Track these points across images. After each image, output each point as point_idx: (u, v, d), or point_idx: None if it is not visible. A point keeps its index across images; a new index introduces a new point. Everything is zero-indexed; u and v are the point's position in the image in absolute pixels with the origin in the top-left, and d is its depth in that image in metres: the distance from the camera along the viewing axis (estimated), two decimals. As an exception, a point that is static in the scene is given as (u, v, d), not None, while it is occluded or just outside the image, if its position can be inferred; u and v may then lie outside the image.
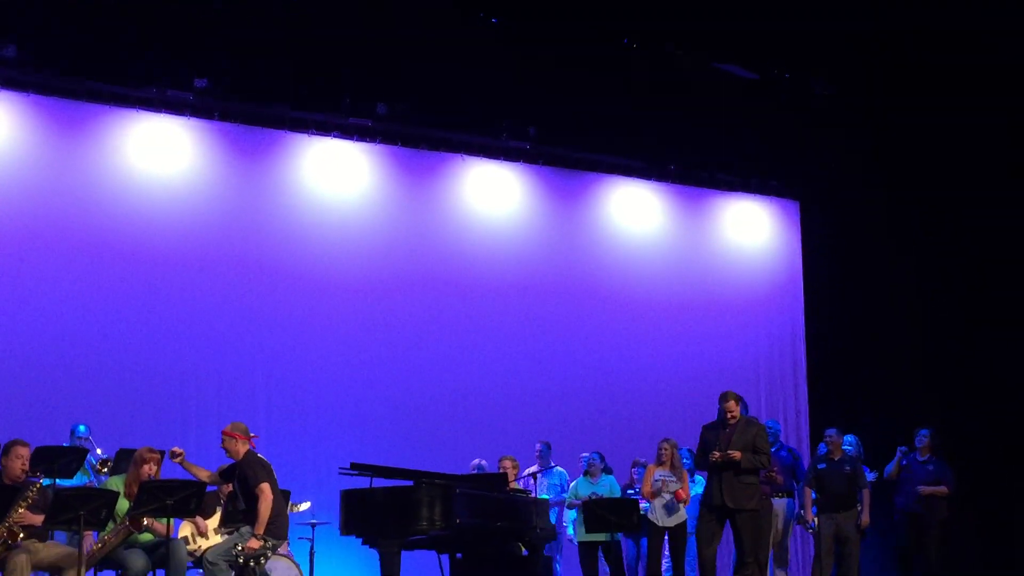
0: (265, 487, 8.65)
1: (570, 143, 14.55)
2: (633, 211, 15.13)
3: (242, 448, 8.84)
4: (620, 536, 11.37)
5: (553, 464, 12.11)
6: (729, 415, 10.31)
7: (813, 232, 15.89)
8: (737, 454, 10.03)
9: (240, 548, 8.48)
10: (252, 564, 8.58)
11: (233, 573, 8.62)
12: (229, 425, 8.97)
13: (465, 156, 14.12)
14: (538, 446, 12.22)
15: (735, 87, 14.51)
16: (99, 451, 10.23)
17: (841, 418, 13.03)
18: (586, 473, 11.84)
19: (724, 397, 10.43)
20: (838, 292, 15.51)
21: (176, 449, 9.04)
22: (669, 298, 15.03)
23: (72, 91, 12.21)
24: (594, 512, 10.58)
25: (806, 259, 15.88)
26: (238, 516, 8.77)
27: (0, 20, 11.50)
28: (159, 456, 8.95)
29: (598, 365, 14.43)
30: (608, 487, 11.64)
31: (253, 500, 8.66)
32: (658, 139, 14.75)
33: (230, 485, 9.07)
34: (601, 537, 11.01)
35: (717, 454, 10.11)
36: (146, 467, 8.80)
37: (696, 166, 15.30)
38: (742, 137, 14.93)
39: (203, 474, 9.06)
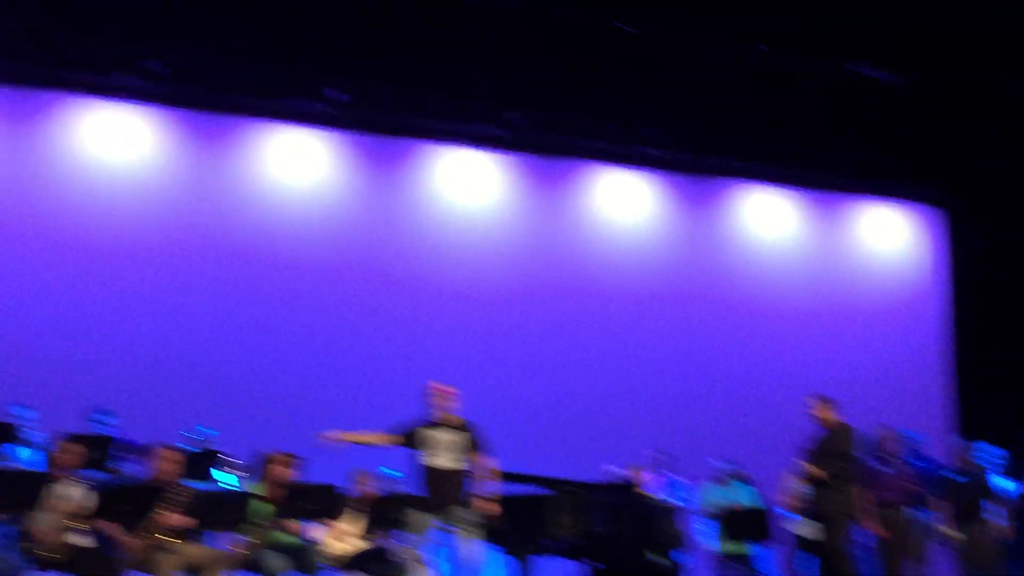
0: None
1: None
2: (766, 217, 15.01)
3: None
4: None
5: (670, 473, 11.80)
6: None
7: (961, 241, 15.55)
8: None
9: None
10: None
11: None
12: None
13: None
14: (654, 454, 11.86)
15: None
16: None
17: (991, 431, 12.65)
18: (719, 481, 11.62)
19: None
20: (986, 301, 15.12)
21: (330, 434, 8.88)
22: (801, 303, 14.80)
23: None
24: (735, 522, 10.44)
25: (956, 269, 15.53)
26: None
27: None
28: (289, 459, 8.97)
29: (708, 370, 14.21)
30: (748, 496, 11.41)
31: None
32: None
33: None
34: (741, 548, 10.86)
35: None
36: (279, 469, 8.83)
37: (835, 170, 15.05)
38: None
39: (380, 439, 9.05)
